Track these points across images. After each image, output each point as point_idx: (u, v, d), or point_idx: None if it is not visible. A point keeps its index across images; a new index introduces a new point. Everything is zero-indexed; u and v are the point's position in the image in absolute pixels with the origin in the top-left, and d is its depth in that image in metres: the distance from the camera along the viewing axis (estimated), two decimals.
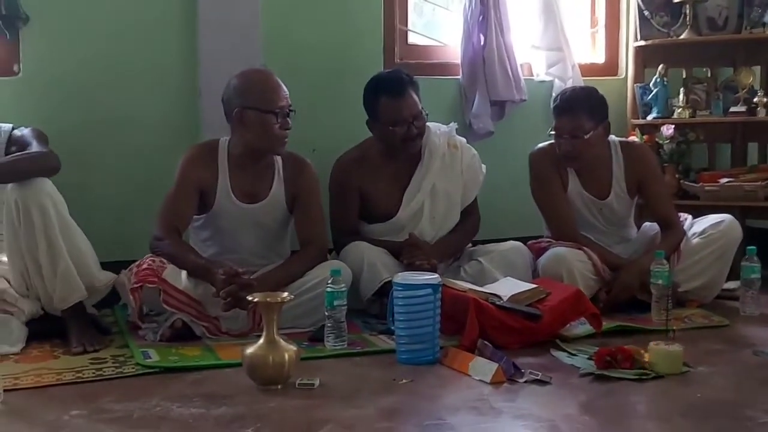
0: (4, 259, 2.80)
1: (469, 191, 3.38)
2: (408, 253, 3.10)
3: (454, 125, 3.43)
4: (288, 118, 2.98)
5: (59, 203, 2.70)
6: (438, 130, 3.36)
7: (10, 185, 2.66)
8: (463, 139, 3.44)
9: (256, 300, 2.35)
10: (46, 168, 2.72)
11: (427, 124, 3.29)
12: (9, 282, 2.76)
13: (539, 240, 3.40)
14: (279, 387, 2.29)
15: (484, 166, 3.42)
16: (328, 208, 3.27)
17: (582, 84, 3.80)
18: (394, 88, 3.20)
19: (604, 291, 3.19)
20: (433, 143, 3.30)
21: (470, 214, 3.40)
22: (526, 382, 2.36)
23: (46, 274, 2.70)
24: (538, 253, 3.28)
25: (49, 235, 2.66)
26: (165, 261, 2.84)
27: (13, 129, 2.90)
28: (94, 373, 2.46)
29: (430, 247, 3.18)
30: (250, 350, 2.32)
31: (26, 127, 2.90)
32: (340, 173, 3.29)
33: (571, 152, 3.25)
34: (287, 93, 2.99)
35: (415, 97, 3.23)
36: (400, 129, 3.19)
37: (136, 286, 2.76)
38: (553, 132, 3.29)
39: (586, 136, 3.22)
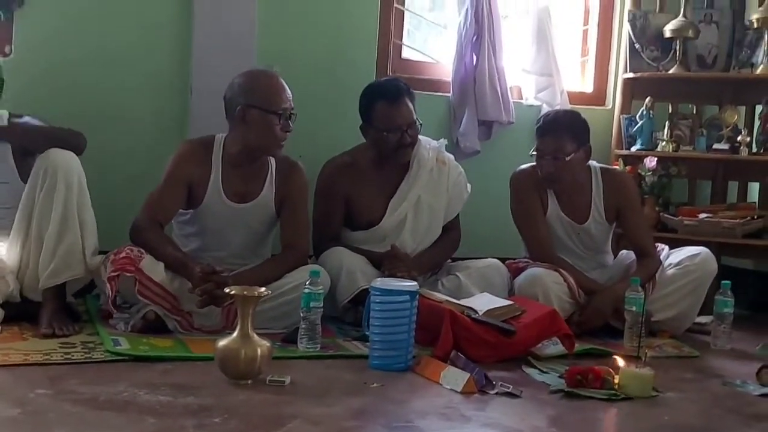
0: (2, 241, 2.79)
1: (452, 207, 3.40)
2: (389, 263, 3.10)
3: (444, 141, 3.45)
4: (290, 121, 2.98)
5: (83, 180, 2.76)
6: (428, 144, 3.39)
7: (43, 153, 2.71)
8: (452, 156, 3.46)
9: (233, 292, 2.34)
10: (77, 145, 2.81)
11: (419, 136, 3.32)
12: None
13: (517, 260, 3.42)
14: (249, 382, 2.28)
15: (469, 185, 3.44)
16: (312, 213, 3.27)
17: None
18: (391, 95, 3.22)
19: (577, 314, 3.20)
20: (422, 156, 3.32)
21: (451, 230, 3.41)
22: (496, 393, 2.36)
23: (47, 246, 2.70)
24: (515, 272, 3.30)
25: (67, 207, 2.70)
26: (143, 251, 2.82)
27: (10, 115, 2.90)
28: (62, 356, 2.43)
29: (411, 260, 3.19)
30: (222, 343, 2.30)
31: (21, 115, 2.90)
32: (328, 177, 3.30)
33: (551, 174, 3.28)
34: (291, 96, 2.99)
35: (411, 106, 3.25)
36: (393, 135, 3.21)
37: (113, 274, 2.74)
38: (534, 153, 3.32)
39: (567, 158, 3.25)
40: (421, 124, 3.28)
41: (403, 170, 3.31)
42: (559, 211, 3.38)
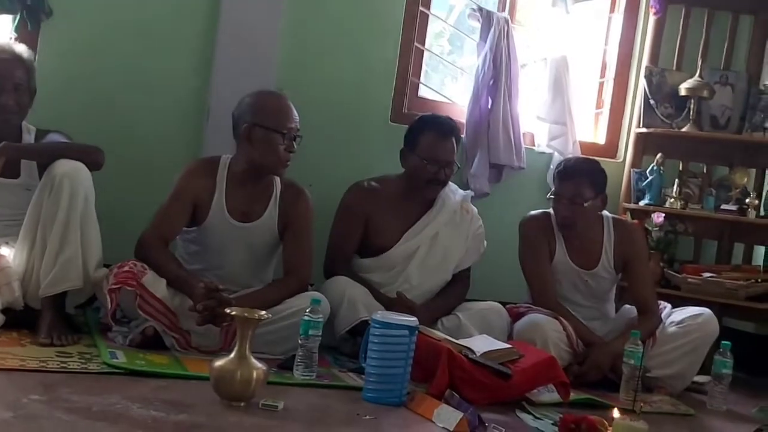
0: (6, 250, 2.80)
1: (468, 257, 3.44)
2: (398, 311, 3.09)
3: (470, 193, 3.55)
4: (294, 142, 3.01)
5: (90, 195, 2.77)
6: (456, 190, 3.45)
7: (53, 163, 2.74)
8: (475, 209, 3.50)
9: (233, 313, 2.35)
10: (94, 161, 2.83)
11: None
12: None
13: (517, 305, 3.41)
14: (242, 404, 2.27)
15: (485, 242, 3.47)
16: (322, 237, 3.28)
17: None
18: (443, 129, 3.31)
19: (576, 365, 3.19)
20: (448, 197, 3.39)
21: (461, 280, 3.43)
22: None
23: (49, 253, 2.71)
24: (515, 317, 3.30)
25: (70, 217, 2.71)
26: (146, 267, 2.84)
27: (38, 131, 2.97)
28: (58, 364, 2.43)
29: (419, 310, 3.15)
30: (219, 363, 2.30)
31: (49, 130, 2.97)
32: (353, 197, 3.34)
33: (568, 217, 3.32)
34: (297, 118, 3.04)
35: (455, 146, 3.34)
36: (431, 167, 3.26)
37: (114, 287, 2.75)
38: (552, 196, 3.35)
39: (585, 204, 3.29)
40: (458, 168, 3.34)
41: (427, 206, 3.36)
42: (567, 258, 3.40)
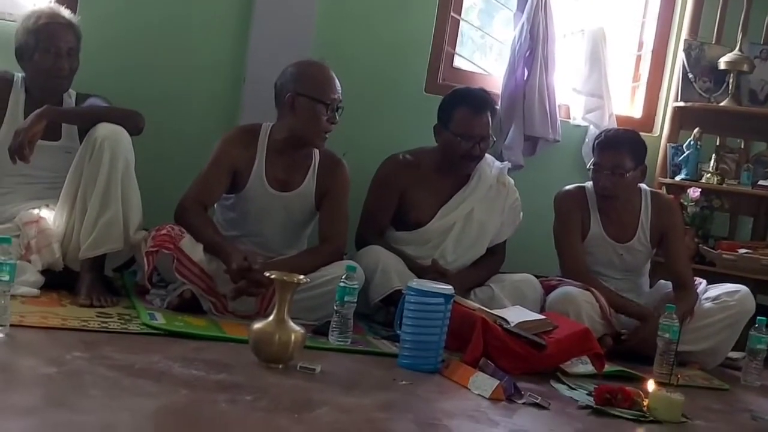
0: (46, 213, 2.83)
1: (504, 231, 3.42)
2: (431, 278, 3.09)
3: (507, 164, 3.50)
4: (336, 113, 3.01)
5: (130, 159, 2.79)
6: (493, 162, 3.41)
7: (94, 126, 2.77)
8: (512, 181, 3.47)
9: (273, 277, 2.36)
10: (134, 126, 2.85)
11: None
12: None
13: (549, 278, 3.40)
14: (280, 366, 2.30)
15: (521, 213, 3.45)
16: (357, 207, 3.28)
17: None
18: (476, 103, 3.26)
19: (609, 336, 3.18)
20: (484, 172, 3.36)
21: (497, 252, 3.42)
22: (524, 403, 2.35)
23: (89, 216, 2.74)
24: (547, 290, 3.29)
25: (111, 179, 2.73)
26: (184, 230, 2.86)
27: (78, 95, 3.00)
28: (98, 324, 2.47)
29: (453, 277, 3.16)
30: (258, 326, 2.33)
31: (89, 94, 2.99)
32: (388, 169, 3.33)
33: (609, 188, 3.30)
34: (340, 89, 3.03)
35: (490, 120, 3.29)
36: (465, 144, 3.24)
37: (152, 249, 2.78)
38: (592, 167, 3.33)
39: (626, 175, 3.27)
40: (494, 141, 3.31)
41: (463, 181, 3.34)
42: (602, 231, 3.39)
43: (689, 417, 2.46)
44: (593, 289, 3.21)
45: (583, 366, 2.85)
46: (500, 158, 3.83)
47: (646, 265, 3.52)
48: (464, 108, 3.25)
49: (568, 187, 3.48)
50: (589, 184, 3.43)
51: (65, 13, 2.96)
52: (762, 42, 4.15)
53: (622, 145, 3.30)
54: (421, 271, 3.13)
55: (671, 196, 3.94)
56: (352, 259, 3.06)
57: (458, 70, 4.01)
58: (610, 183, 3.29)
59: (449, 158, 3.29)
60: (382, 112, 3.78)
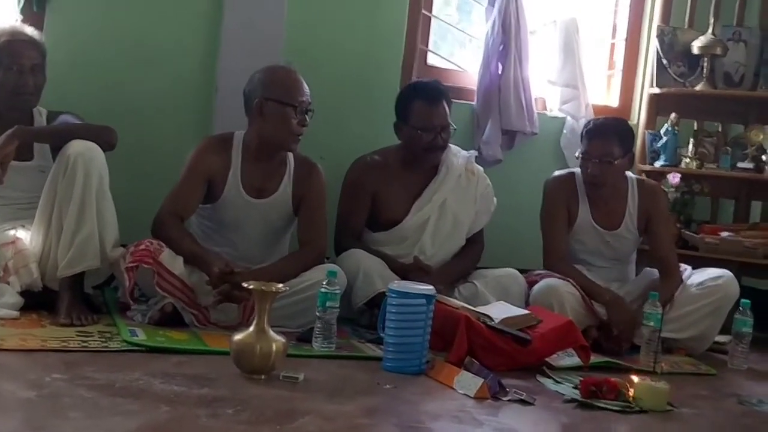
0: (23, 233, 2.81)
1: (479, 220, 3.41)
2: (414, 277, 3.10)
3: (474, 153, 3.50)
4: (306, 116, 3.00)
5: (104, 176, 2.77)
6: (459, 152, 3.41)
7: (67, 143, 2.75)
8: (481, 168, 3.47)
9: (251, 287, 2.35)
10: (107, 142, 2.83)
11: (449, 144, 3.34)
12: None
13: (531, 273, 3.38)
14: (263, 377, 2.29)
15: (495, 199, 3.45)
16: (335, 211, 3.29)
17: None
18: (431, 94, 3.27)
19: (595, 328, 3.19)
20: (451, 162, 3.36)
21: (475, 242, 3.42)
22: (509, 400, 2.35)
23: (65, 235, 2.72)
24: (530, 285, 3.28)
25: (85, 196, 2.71)
26: (163, 244, 2.84)
27: (49, 113, 2.97)
28: (79, 344, 2.45)
29: (436, 273, 3.18)
30: (238, 337, 2.31)
31: (60, 112, 2.97)
32: (357, 173, 3.33)
33: (597, 176, 3.31)
34: (308, 92, 3.02)
35: (447, 109, 3.30)
36: (426, 135, 3.24)
37: (131, 265, 2.76)
38: (581, 155, 3.34)
39: (614, 163, 3.28)
40: (455, 129, 3.31)
41: (431, 174, 3.34)
42: (590, 219, 3.40)
43: (675, 405, 2.47)
44: (570, 280, 3.21)
45: (570, 358, 2.85)
46: (479, 154, 3.83)
47: (633, 253, 3.52)
48: (420, 101, 3.26)
49: (558, 173, 3.50)
50: (579, 170, 3.43)
51: (28, 30, 2.94)
52: (734, 24, 4.15)
53: (610, 134, 3.31)
54: (403, 271, 3.13)
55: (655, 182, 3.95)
56: (333, 263, 3.05)
57: (432, 67, 4.00)
58: (599, 171, 3.30)
59: (413, 152, 3.29)
60: (358, 114, 3.76)
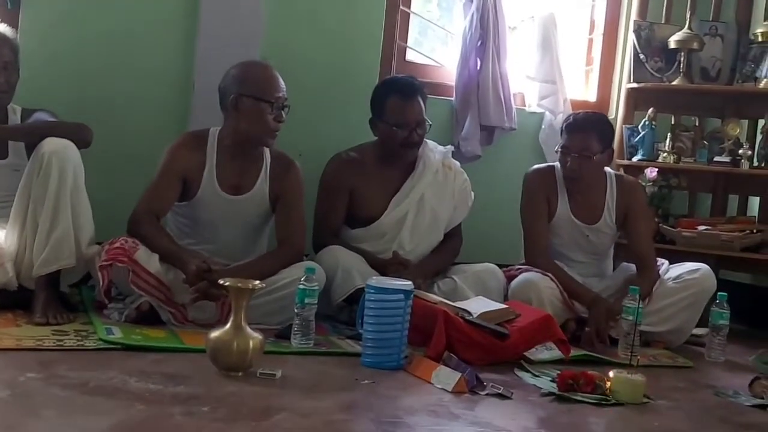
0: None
1: (457, 215, 3.42)
2: (393, 270, 3.10)
3: (450, 148, 3.50)
4: (282, 112, 2.99)
5: (79, 174, 2.75)
6: (435, 147, 3.41)
7: (41, 141, 2.72)
8: (458, 163, 3.48)
9: (227, 284, 2.34)
10: (82, 139, 2.81)
11: (425, 139, 3.33)
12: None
13: (511, 267, 3.39)
14: (240, 374, 2.28)
15: (473, 193, 3.45)
16: (312, 209, 3.28)
17: None
18: (405, 90, 3.27)
19: (573, 322, 3.20)
20: (428, 157, 3.36)
21: (453, 236, 3.43)
22: (487, 394, 2.36)
23: (40, 233, 2.70)
24: (509, 280, 3.29)
25: (60, 195, 2.69)
26: (138, 242, 2.82)
27: (23, 111, 2.95)
28: (54, 343, 2.43)
29: (414, 267, 3.18)
30: (215, 334, 2.31)
31: (35, 109, 2.94)
32: (334, 171, 3.32)
33: (575, 171, 3.31)
34: (284, 87, 3.01)
35: (422, 105, 3.30)
36: (402, 131, 3.24)
37: (105, 263, 2.74)
38: (560, 149, 3.35)
39: (594, 158, 3.28)
40: (430, 125, 3.32)
41: (408, 169, 3.34)
42: (569, 212, 3.41)
43: (652, 397, 2.48)
44: (549, 274, 3.22)
45: (548, 352, 2.86)
46: (458, 149, 3.84)
47: (611, 247, 3.54)
48: (395, 97, 3.26)
49: (538, 166, 3.50)
50: (558, 164, 3.44)
51: (0, 27, 2.92)
52: (710, 19, 4.18)
53: (590, 128, 3.31)
54: (382, 266, 3.13)
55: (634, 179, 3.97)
56: (312, 260, 3.05)
57: (411, 63, 4.00)
58: (577, 166, 3.30)
59: (390, 149, 3.29)
60: (336, 111, 3.76)
